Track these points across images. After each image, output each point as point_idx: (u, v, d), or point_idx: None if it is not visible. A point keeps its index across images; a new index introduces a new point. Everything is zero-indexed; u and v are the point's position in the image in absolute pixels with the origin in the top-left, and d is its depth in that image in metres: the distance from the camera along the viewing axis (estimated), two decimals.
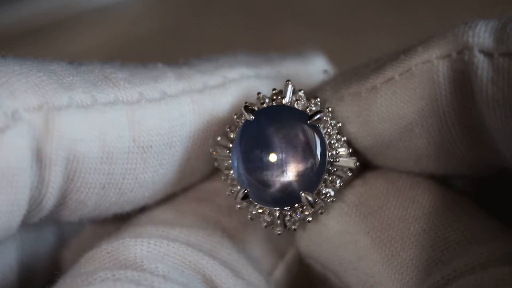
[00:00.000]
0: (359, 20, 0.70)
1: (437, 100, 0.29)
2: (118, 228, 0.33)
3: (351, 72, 0.33)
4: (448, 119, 0.29)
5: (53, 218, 0.31)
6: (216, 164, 0.32)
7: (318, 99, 0.32)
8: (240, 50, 0.36)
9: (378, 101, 0.30)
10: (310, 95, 0.33)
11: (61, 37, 0.76)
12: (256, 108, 0.31)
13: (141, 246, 0.30)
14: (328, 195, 0.31)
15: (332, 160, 0.31)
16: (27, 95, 0.27)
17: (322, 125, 0.31)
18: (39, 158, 0.27)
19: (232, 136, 0.32)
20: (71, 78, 0.29)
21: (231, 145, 0.31)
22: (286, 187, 0.30)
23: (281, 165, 0.30)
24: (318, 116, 0.31)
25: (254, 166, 0.31)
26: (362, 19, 0.69)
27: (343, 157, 0.31)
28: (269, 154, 0.30)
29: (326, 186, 0.31)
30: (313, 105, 0.31)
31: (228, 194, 0.32)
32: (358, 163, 0.31)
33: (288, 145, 0.30)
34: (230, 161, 0.31)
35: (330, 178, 0.31)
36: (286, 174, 0.30)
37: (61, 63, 0.30)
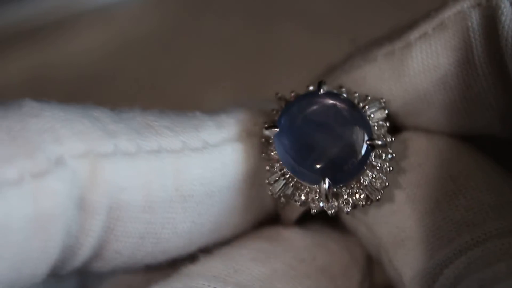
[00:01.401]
0: (359, 20, 0.70)
1: (472, 48, 0.30)
2: (147, 280, 0.33)
3: (382, 37, 0.33)
4: (483, 65, 0.30)
5: (84, 269, 0.30)
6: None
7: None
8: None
9: (413, 55, 0.31)
10: (338, 65, 0.34)
11: (61, 37, 0.76)
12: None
13: None
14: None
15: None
16: (72, 141, 0.27)
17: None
18: (82, 207, 0.27)
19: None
20: (115, 125, 0.29)
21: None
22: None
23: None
24: (324, 87, 0.32)
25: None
26: (362, 19, 0.69)
27: (376, 112, 0.32)
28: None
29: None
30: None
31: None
32: (387, 110, 0.32)
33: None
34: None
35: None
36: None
37: (104, 109, 0.30)
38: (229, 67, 0.71)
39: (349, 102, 0.32)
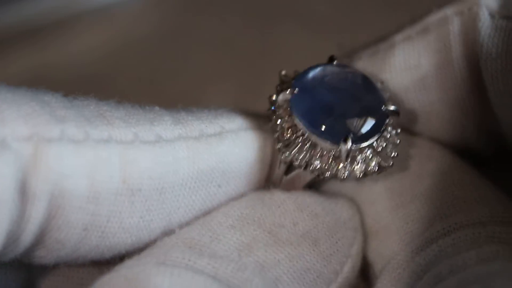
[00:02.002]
0: (359, 20, 0.70)
1: (451, 52, 0.32)
2: (92, 276, 0.32)
3: (370, 43, 0.36)
4: (460, 71, 0.33)
5: (27, 259, 0.29)
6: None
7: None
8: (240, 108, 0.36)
9: (396, 53, 0.34)
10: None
11: (61, 37, 0.76)
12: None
13: (163, 277, 0.28)
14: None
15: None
16: (17, 124, 0.26)
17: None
18: (23, 191, 0.26)
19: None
20: (64, 110, 0.28)
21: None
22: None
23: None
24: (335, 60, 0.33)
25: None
26: (362, 19, 0.69)
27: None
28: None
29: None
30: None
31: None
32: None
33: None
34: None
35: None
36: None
37: (56, 94, 0.29)
38: (229, 67, 0.71)
39: (361, 73, 0.33)
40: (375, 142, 0.32)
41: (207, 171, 0.31)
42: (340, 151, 0.31)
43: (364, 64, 0.34)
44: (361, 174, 0.32)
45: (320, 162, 0.32)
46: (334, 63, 0.33)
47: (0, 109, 0.26)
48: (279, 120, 0.32)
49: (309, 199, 0.34)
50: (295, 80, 0.33)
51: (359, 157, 0.32)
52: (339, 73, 0.33)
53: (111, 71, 0.72)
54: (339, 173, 0.32)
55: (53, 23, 0.75)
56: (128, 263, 0.30)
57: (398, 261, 0.31)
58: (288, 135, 0.32)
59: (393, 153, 0.32)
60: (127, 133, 0.29)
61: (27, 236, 0.27)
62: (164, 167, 0.30)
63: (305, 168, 0.32)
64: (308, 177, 0.33)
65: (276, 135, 0.32)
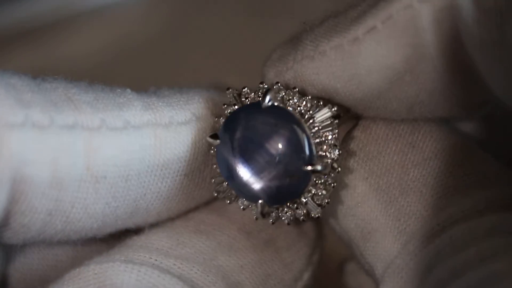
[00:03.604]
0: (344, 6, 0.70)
1: (424, 47, 0.28)
2: (66, 253, 0.32)
3: (331, 23, 0.31)
4: (438, 63, 0.28)
5: None
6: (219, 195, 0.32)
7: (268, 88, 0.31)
8: (216, 83, 0.35)
9: (363, 53, 0.29)
10: (288, 49, 0.33)
11: (60, 37, 0.75)
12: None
13: (131, 273, 0.29)
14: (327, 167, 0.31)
15: (311, 128, 0.31)
16: None
17: (282, 101, 0.31)
18: None
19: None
20: (30, 94, 0.28)
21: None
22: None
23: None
24: (269, 98, 0.30)
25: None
26: (347, 5, 0.69)
27: (318, 113, 0.31)
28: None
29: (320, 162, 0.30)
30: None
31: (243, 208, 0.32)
32: (335, 107, 0.31)
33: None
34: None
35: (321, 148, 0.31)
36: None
37: (23, 77, 0.29)
38: (229, 65, 0.71)
39: (293, 119, 0.31)
40: (302, 195, 0.31)
41: (174, 160, 0.31)
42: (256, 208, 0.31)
43: (330, 62, 0.30)
44: (290, 221, 0.31)
45: (247, 203, 0.32)
46: (266, 102, 0.31)
47: None
48: (214, 166, 0.32)
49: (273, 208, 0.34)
50: (224, 124, 0.31)
51: (286, 207, 0.31)
52: (265, 125, 0.31)
53: (111, 71, 0.72)
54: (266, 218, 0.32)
55: (52, 23, 0.75)
56: (97, 258, 0.30)
57: (398, 265, 0.30)
58: (219, 181, 0.32)
59: (322, 201, 0.31)
60: (94, 119, 0.29)
61: None
62: (130, 155, 0.29)
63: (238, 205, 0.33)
64: None
65: (214, 166, 0.32)
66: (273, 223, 0.32)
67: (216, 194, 0.32)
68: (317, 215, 0.31)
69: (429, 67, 0.29)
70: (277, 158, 0.30)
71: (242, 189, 0.31)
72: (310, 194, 0.31)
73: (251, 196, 0.31)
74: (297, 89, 0.31)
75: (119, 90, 0.31)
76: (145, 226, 0.33)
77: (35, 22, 0.75)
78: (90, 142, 0.28)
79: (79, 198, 0.29)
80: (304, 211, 0.31)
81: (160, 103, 0.31)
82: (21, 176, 0.27)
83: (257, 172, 0.31)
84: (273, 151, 0.30)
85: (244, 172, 0.31)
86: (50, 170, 0.27)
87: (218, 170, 0.32)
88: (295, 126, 0.30)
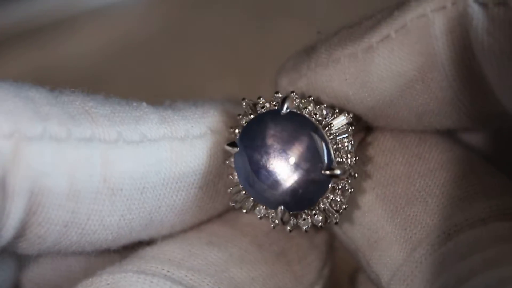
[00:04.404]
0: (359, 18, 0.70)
1: (435, 55, 0.29)
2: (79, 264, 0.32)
3: (346, 32, 0.32)
4: (449, 72, 0.29)
5: (11, 248, 0.30)
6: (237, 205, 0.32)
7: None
8: (228, 97, 0.35)
9: (376, 61, 0.30)
10: (301, 58, 0.33)
11: (61, 37, 0.76)
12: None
13: (143, 284, 0.29)
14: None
15: (329, 134, 0.31)
16: None
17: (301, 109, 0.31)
18: (2, 188, 0.26)
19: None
20: (48, 107, 0.28)
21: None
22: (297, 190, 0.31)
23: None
24: (287, 105, 0.31)
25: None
26: (362, 17, 0.69)
27: (335, 120, 0.31)
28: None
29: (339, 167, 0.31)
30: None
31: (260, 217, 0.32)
32: (350, 115, 0.31)
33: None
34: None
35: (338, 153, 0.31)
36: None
37: (41, 89, 0.29)
38: (230, 65, 0.71)
39: (311, 125, 0.31)
40: (320, 201, 0.31)
41: (189, 173, 0.31)
42: (276, 216, 0.31)
43: (344, 70, 0.31)
44: (308, 227, 0.31)
45: (265, 212, 0.32)
46: (284, 110, 0.31)
47: None
48: (230, 164, 0.32)
49: None
50: (242, 132, 0.32)
51: (304, 214, 0.31)
52: (284, 131, 0.31)
53: (111, 71, 0.72)
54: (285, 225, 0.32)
55: (52, 23, 0.75)
56: (110, 269, 0.30)
57: (404, 272, 0.31)
58: (237, 181, 0.32)
59: (339, 207, 0.31)
60: (111, 132, 0.29)
61: (8, 231, 0.28)
62: (146, 168, 0.30)
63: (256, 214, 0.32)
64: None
65: (230, 176, 0.32)
66: (290, 230, 0.32)
67: (232, 204, 0.32)
68: (335, 221, 0.31)
69: (440, 75, 0.29)
70: (297, 164, 0.30)
71: (262, 196, 0.31)
72: (328, 200, 0.31)
73: (271, 202, 0.31)
74: (312, 98, 0.32)
75: (135, 103, 0.31)
76: (158, 237, 0.33)
77: (35, 22, 0.75)
78: (107, 155, 0.29)
79: (95, 210, 0.29)
80: (322, 217, 0.31)
81: (176, 117, 0.31)
82: (39, 188, 0.27)
83: (278, 178, 0.31)
84: (293, 157, 0.31)
85: (264, 179, 0.31)
86: (67, 182, 0.28)
87: (234, 180, 0.32)
88: (313, 133, 0.31)
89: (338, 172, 0.30)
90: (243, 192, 0.32)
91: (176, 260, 0.31)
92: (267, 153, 0.31)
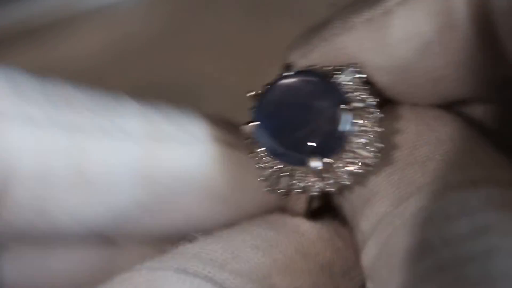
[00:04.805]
0: None
1: (454, 13, 0.29)
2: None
3: (361, 2, 0.32)
4: (467, 31, 0.29)
5: None
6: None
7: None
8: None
9: (394, 22, 0.30)
10: (314, 31, 0.33)
11: (60, 37, 0.75)
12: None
13: (183, 285, 0.28)
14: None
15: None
16: None
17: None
18: None
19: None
20: (32, 92, 0.28)
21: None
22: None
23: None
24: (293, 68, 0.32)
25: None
26: None
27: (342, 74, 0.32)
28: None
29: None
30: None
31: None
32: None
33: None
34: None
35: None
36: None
37: (27, 75, 0.29)
38: (229, 66, 0.71)
39: (320, 74, 0.32)
40: (349, 145, 0.31)
41: (159, 173, 0.31)
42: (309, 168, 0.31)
43: (359, 35, 0.31)
44: (349, 180, 0.32)
45: (303, 183, 0.32)
46: (290, 72, 0.32)
47: None
48: (254, 153, 0.32)
49: (332, 231, 0.34)
50: (255, 108, 0.32)
51: (338, 164, 0.31)
52: (294, 87, 0.31)
53: (110, 71, 0.72)
54: (324, 189, 0.32)
55: (52, 23, 0.75)
56: (150, 263, 0.29)
57: (387, 223, 0.30)
58: (265, 165, 0.32)
59: (370, 151, 0.32)
60: (92, 124, 0.29)
61: None
62: (117, 161, 0.29)
63: (303, 192, 0.32)
64: (302, 199, 0.33)
65: (256, 165, 0.32)
66: (331, 192, 0.31)
67: (268, 189, 0.32)
68: (376, 157, 0.31)
69: (459, 35, 0.29)
70: (316, 111, 0.31)
71: (293, 151, 0.31)
72: (357, 144, 0.31)
73: (301, 158, 0.31)
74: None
75: (122, 99, 0.31)
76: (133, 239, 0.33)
77: (35, 22, 0.75)
78: (85, 146, 0.29)
79: (66, 200, 0.29)
80: (360, 162, 0.31)
81: (160, 118, 0.31)
82: (8, 167, 0.27)
83: (302, 130, 0.31)
84: (311, 104, 0.31)
85: (289, 135, 0.31)
86: (39, 167, 0.27)
87: (260, 165, 0.32)
88: (325, 79, 0.31)
89: (356, 104, 0.31)
90: (275, 172, 0.32)
91: (218, 261, 0.30)
92: (285, 111, 0.31)
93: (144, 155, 0.30)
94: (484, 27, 0.29)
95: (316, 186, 0.31)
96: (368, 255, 0.31)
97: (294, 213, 0.34)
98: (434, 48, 0.30)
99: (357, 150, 0.31)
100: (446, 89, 0.32)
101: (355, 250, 0.33)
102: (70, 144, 0.28)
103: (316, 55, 0.33)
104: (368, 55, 0.31)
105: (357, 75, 0.31)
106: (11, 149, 0.27)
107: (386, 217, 0.30)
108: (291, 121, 0.31)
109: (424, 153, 0.31)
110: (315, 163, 0.30)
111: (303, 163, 0.31)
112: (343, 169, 0.31)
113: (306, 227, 0.33)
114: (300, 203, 0.34)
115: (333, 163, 0.31)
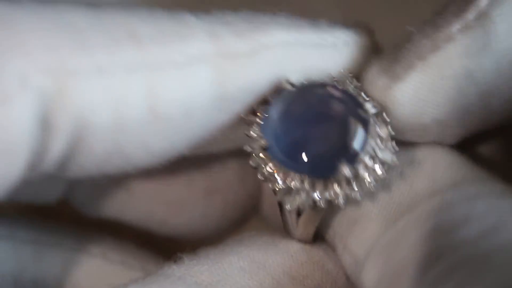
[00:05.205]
0: (359, 19, 0.70)
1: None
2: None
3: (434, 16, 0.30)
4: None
5: (58, 174, 0.29)
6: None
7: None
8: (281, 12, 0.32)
9: (496, 22, 0.28)
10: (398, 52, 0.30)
11: None
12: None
13: None
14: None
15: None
16: (39, 55, 0.24)
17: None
18: (46, 126, 0.25)
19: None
20: (91, 33, 0.26)
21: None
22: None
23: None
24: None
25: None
26: (361, 17, 0.69)
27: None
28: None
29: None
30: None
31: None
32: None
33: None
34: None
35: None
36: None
37: (80, 10, 0.27)
38: None
39: (346, 92, 0.29)
40: (368, 151, 0.29)
41: (238, 92, 0.29)
42: (339, 176, 0.29)
43: (462, 43, 0.28)
44: (372, 184, 0.29)
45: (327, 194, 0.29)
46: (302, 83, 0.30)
47: (20, 37, 0.24)
48: (264, 170, 0.29)
49: (322, 253, 0.32)
50: (262, 124, 0.30)
51: (335, 185, 0.29)
52: (302, 98, 0.29)
53: None
54: (352, 193, 0.29)
55: None
56: (132, 286, 0.29)
57: (384, 243, 0.29)
58: (280, 183, 0.29)
59: (372, 181, 0.29)
60: (156, 56, 0.27)
61: (49, 164, 0.26)
62: (191, 91, 0.28)
63: (313, 208, 0.30)
64: (317, 216, 0.31)
65: (271, 186, 0.30)
66: (322, 206, 0.29)
67: (262, 178, 0.30)
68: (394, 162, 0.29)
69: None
70: (330, 127, 0.29)
71: (296, 162, 0.29)
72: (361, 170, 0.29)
73: (302, 169, 0.29)
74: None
75: (181, 18, 0.29)
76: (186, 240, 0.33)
77: None
78: (152, 82, 0.27)
79: (140, 139, 0.28)
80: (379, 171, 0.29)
81: (225, 32, 0.29)
82: (83, 123, 0.26)
83: (311, 144, 0.29)
84: (327, 120, 0.29)
85: (297, 145, 0.29)
86: (112, 115, 0.26)
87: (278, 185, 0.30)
88: (349, 97, 0.29)
89: (374, 110, 0.29)
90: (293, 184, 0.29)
91: (203, 284, 0.29)
92: (300, 120, 0.29)
93: (216, 75, 0.28)
94: None
95: (340, 196, 0.29)
96: (369, 279, 0.29)
97: (297, 237, 0.32)
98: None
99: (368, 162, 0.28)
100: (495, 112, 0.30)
101: (345, 272, 0.32)
102: (138, 84, 0.26)
103: (416, 75, 0.29)
104: (470, 62, 0.28)
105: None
106: (82, 105, 0.25)
107: (381, 239, 0.29)
108: (302, 131, 0.28)
109: (415, 170, 0.30)
110: (345, 171, 0.28)
111: (301, 172, 0.29)
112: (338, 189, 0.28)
113: (296, 248, 0.32)
114: (310, 227, 0.31)
115: (330, 183, 0.28)
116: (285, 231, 0.32)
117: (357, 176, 0.29)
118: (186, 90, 0.28)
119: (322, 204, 0.29)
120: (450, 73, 0.28)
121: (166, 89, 0.27)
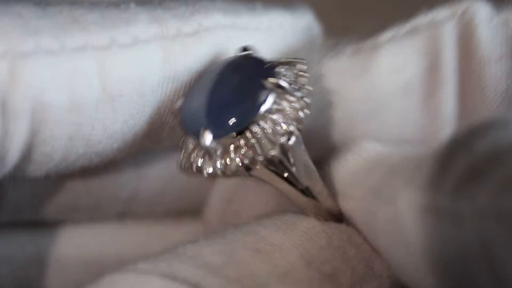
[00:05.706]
0: (358, 19, 0.70)
1: (440, 56, 0.29)
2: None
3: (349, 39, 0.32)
4: (449, 76, 0.30)
5: (19, 174, 0.29)
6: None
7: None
8: None
9: (379, 54, 0.30)
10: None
11: None
12: None
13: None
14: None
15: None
16: None
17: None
18: (3, 111, 0.26)
19: None
20: (37, 20, 0.27)
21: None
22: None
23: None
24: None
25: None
26: (361, 17, 0.70)
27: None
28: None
29: None
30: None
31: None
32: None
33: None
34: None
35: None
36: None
37: (27, 4, 0.28)
38: None
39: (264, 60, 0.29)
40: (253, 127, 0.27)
41: (184, 72, 0.30)
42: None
43: (344, 63, 0.31)
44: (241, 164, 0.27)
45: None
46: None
47: None
48: (182, 140, 0.29)
49: (345, 238, 0.31)
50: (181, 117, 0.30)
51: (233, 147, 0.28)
52: (212, 69, 0.30)
53: None
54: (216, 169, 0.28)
55: None
56: (141, 265, 0.28)
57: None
58: (195, 153, 0.29)
59: (278, 133, 0.27)
60: (103, 38, 0.28)
61: (13, 154, 0.27)
62: (141, 70, 0.29)
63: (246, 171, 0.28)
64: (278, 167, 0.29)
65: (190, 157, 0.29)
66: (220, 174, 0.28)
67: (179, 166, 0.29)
68: (272, 153, 0.27)
69: (439, 76, 0.31)
70: (235, 84, 0.29)
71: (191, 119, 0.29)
72: (265, 127, 0.27)
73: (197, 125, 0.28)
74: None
75: (123, 5, 0.30)
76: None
77: None
78: (103, 62, 0.28)
79: (97, 119, 0.28)
80: (250, 152, 0.27)
81: (166, 15, 0.30)
82: (40, 105, 0.26)
83: (215, 102, 0.29)
84: (232, 78, 0.29)
85: (204, 108, 0.29)
86: (67, 95, 0.27)
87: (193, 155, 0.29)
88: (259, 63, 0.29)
89: (280, 82, 0.28)
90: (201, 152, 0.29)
91: (214, 265, 0.28)
92: (208, 86, 0.29)
93: (164, 56, 0.29)
94: (467, 72, 0.30)
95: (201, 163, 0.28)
96: None
97: (321, 213, 0.31)
98: (414, 85, 0.30)
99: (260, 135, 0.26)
100: (416, 134, 0.31)
101: (369, 260, 0.30)
102: (89, 64, 0.27)
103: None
104: (348, 82, 0.31)
105: (300, 72, 0.29)
106: (36, 85, 0.26)
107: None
108: (209, 95, 0.28)
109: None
110: (205, 140, 0.27)
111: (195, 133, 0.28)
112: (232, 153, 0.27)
113: (317, 231, 0.30)
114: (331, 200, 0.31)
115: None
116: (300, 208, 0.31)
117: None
118: (136, 69, 0.28)
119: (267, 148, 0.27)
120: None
121: (116, 69, 0.28)
